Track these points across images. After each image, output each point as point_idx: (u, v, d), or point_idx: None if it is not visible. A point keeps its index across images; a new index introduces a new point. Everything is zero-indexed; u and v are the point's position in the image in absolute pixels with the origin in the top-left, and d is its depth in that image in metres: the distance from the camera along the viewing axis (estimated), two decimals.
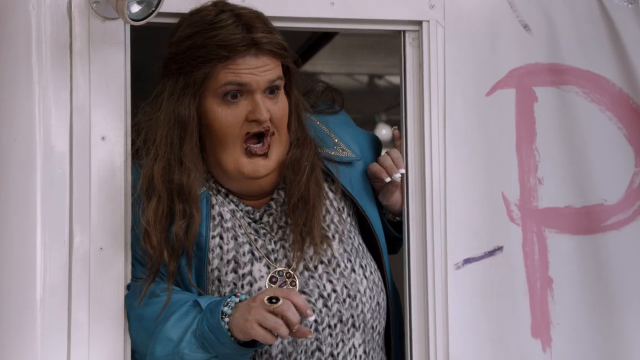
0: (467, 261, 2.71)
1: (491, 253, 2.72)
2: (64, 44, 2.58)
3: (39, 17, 2.56)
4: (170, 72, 2.55)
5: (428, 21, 2.73)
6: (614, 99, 2.78)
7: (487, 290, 2.71)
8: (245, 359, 2.51)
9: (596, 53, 2.78)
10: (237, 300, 2.47)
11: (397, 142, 2.79)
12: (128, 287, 2.59)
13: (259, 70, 2.52)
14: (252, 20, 2.53)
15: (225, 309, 2.45)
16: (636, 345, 2.74)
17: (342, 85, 6.53)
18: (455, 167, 2.72)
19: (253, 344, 2.47)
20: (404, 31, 2.76)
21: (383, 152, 2.83)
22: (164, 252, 2.52)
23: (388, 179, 2.70)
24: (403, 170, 2.71)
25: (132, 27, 2.59)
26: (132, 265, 2.60)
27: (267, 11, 2.64)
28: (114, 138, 2.60)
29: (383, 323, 2.72)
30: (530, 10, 2.77)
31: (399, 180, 2.71)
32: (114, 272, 2.58)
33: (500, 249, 2.73)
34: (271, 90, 2.56)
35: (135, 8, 2.50)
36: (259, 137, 2.57)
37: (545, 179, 2.76)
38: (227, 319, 2.44)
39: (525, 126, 2.75)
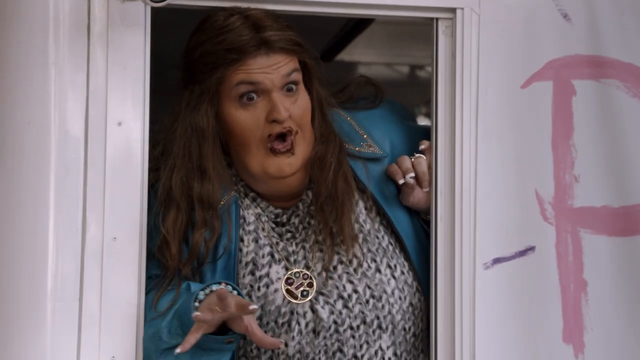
0: (497, 261, 2.65)
1: (522, 253, 2.66)
2: (81, 25, 2.54)
3: None
4: (186, 82, 2.59)
5: (462, 8, 2.66)
6: None
7: (517, 292, 2.65)
8: (225, 351, 2.46)
9: None
10: (214, 288, 2.44)
11: (426, 153, 2.72)
12: (148, 282, 2.56)
13: (271, 68, 2.53)
14: (260, 20, 2.54)
15: (200, 293, 2.43)
16: None
17: (382, 75, 6.45)
18: (486, 163, 2.66)
19: (226, 333, 2.44)
20: (437, 19, 2.69)
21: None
22: (181, 261, 2.54)
23: (401, 181, 2.65)
24: (426, 189, 2.66)
25: (155, 10, 2.56)
26: (148, 260, 2.57)
27: None
28: (131, 124, 2.56)
29: (420, 325, 2.68)
30: None
31: (411, 182, 2.65)
32: (128, 263, 2.55)
33: (532, 249, 2.66)
34: (288, 88, 2.56)
35: None
36: (283, 136, 2.56)
37: (581, 176, 2.69)
38: (197, 304, 2.41)
39: (562, 121, 2.69)
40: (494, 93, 2.67)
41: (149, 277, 2.57)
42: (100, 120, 2.54)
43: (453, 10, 2.67)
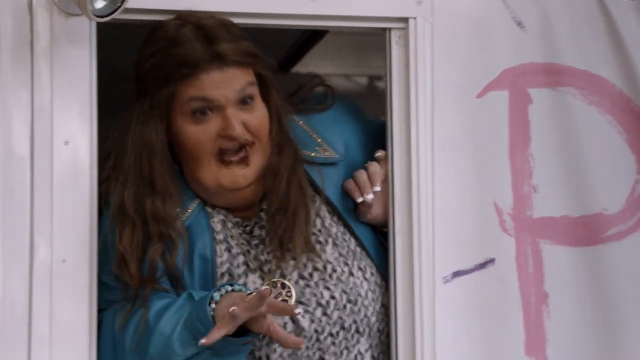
0: (457, 274, 2.62)
1: (482, 266, 2.63)
2: (24, 42, 2.49)
3: None
4: (137, 93, 2.52)
5: (415, 18, 2.64)
6: (614, 101, 2.69)
7: (478, 305, 2.62)
8: (241, 353, 2.42)
9: (595, 52, 2.69)
10: (229, 288, 2.38)
11: (382, 162, 2.67)
12: (99, 310, 2.50)
13: (225, 83, 2.46)
14: (214, 31, 2.46)
15: (215, 294, 2.36)
16: None
17: (340, 87, 6.36)
18: (444, 174, 2.63)
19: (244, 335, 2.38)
20: (389, 29, 2.66)
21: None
22: (141, 279, 2.47)
23: (360, 199, 2.61)
24: (378, 188, 2.61)
25: (102, 25, 2.50)
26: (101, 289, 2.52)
27: (243, 8, 2.57)
28: (78, 142, 2.51)
29: None
30: (525, 6, 2.68)
31: (370, 201, 2.61)
32: (78, 285, 2.49)
33: (492, 261, 2.63)
34: (243, 101, 2.49)
35: (100, 4, 2.41)
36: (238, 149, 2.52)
37: (540, 186, 2.67)
38: (213, 305, 2.35)
39: (519, 130, 2.67)
40: (449, 103, 2.64)
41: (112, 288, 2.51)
42: (46, 139, 2.49)
43: (405, 20, 2.64)
